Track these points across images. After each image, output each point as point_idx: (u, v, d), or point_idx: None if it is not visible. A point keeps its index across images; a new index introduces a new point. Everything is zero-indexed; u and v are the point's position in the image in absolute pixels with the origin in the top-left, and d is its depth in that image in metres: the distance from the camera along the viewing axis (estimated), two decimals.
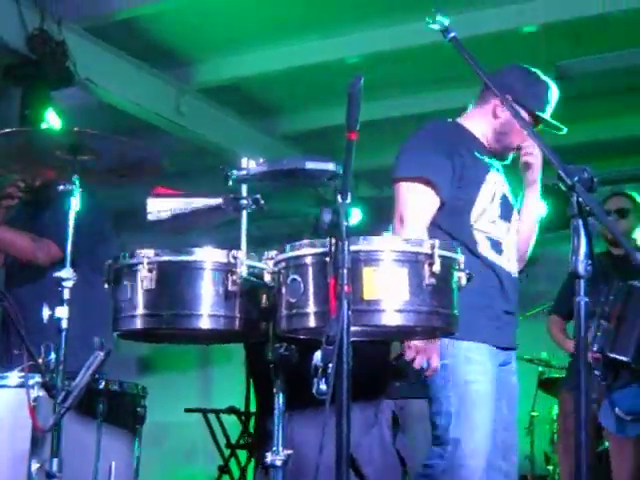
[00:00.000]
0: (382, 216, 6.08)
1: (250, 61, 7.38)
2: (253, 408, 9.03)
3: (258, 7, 6.50)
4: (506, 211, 3.45)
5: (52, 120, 6.29)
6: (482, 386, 3.23)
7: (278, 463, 2.62)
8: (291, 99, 8.27)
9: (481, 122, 3.47)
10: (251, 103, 8.28)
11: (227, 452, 8.95)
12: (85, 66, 6.65)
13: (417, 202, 3.20)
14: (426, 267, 2.49)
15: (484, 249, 3.32)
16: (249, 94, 8.08)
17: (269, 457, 2.65)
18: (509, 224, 3.45)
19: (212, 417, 9.08)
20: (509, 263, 3.42)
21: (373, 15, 6.60)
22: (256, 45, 7.12)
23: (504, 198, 3.46)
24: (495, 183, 3.42)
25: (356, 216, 7.07)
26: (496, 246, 3.36)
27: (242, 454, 8.94)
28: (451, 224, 3.32)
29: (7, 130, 2.83)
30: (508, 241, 3.43)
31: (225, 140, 8.23)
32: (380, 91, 6.77)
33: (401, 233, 3.12)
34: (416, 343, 2.98)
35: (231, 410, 9.08)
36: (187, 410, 8.86)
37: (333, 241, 2.24)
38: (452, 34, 2.57)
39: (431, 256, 2.51)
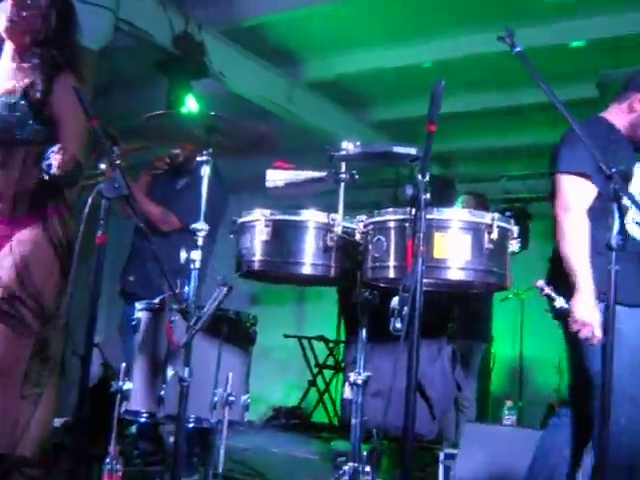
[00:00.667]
0: (447, 190, 6.08)
1: (349, 61, 7.27)
2: (339, 338, 9.12)
3: (355, 18, 6.43)
4: None
5: (191, 104, 6.33)
6: None
7: (359, 382, 2.64)
8: (380, 94, 8.15)
9: (618, 116, 3.20)
10: (348, 95, 8.17)
11: (315, 370, 9.02)
12: (218, 62, 6.66)
13: (578, 193, 3.00)
14: (486, 235, 2.47)
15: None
16: (347, 88, 7.98)
17: (352, 377, 2.67)
18: None
19: (305, 342, 9.17)
20: None
21: (446, 28, 6.48)
22: (354, 49, 7.04)
23: None
24: None
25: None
26: None
27: (327, 372, 8.99)
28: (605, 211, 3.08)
29: (158, 112, 2.86)
30: None
31: (326, 125, 8.13)
32: (447, 90, 6.61)
33: (565, 219, 2.95)
34: (582, 316, 2.81)
35: (320, 338, 9.14)
36: (285, 336, 8.91)
37: (413, 210, 2.22)
38: (518, 48, 2.50)
39: (490, 226, 2.48)
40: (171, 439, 4.80)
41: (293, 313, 9.39)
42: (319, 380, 8.95)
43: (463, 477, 3.82)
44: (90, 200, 2.44)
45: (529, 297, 7.30)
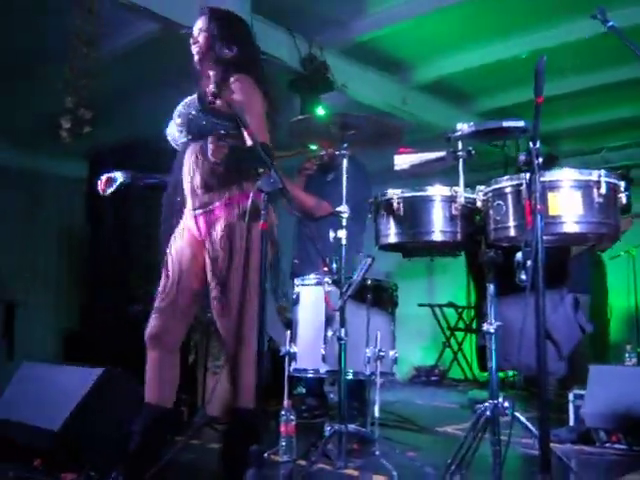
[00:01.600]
0: (552, 165, 5.86)
1: (454, 62, 7.12)
2: (468, 303, 8.98)
3: (457, 22, 6.30)
4: None
5: (321, 114, 6.43)
6: None
7: (492, 330, 2.62)
8: (483, 87, 7.96)
9: None
10: (454, 92, 8.03)
11: (448, 333, 8.94)
12: (340, 76, 6.67)
13: None
14: (595, 190, 2.39)
15: None
16: (452, 85, 7.82)
17: (485, 326, 2.65)
18: None
19: (437, 310, 9.10)
20: None
21: (539, 20, 6.24)
22: (457, 50, 6.89)
23: None
24: None
25: None
26: None
27: (458, 335, 8.89)
28: None
29: (300, 117, 2.92)
30: None
31: (437, 120, 8.00)
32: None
33: None
34: None
35: (450, 304, 9.05)
36: (420, 305, 8.90)
37: (527, 175, 2.19)
38: (610, 23, 2.41)
39: (598, 182, 2.39)
40: (331, 395, 4.93)
41: (424, 285, 9.30)
42: (452, 342, 8.88)
43: (589, 414, 3.69)
44: (251, 195, 2.52)
45: (639, 254, 7.00)
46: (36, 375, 3.31)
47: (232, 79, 2.71)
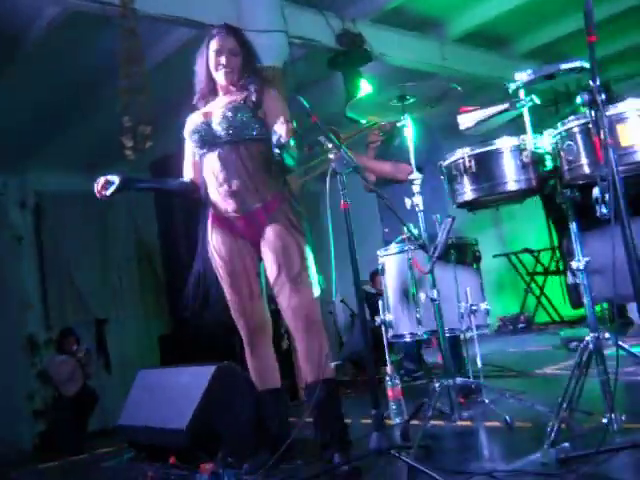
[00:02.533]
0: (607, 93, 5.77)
1: (486, 9, 7.11)
2: (542, 246, 8.90)
3: None
4: None
5: (364, 87, 6.48)
6: None
7: (581, 267, 2.66)
8: (519, 29, 7.87)
9: None
10: (492, 39, 7.95)
11: (527, 279, 8.94)
12: (377, 46, 6.72)
13: None
14: None
15: None
16: (488, 33, 7.75)
17: (574, 264, 2.69)
18: None
19: (513, 258, 9.09)
20: None
21: None
22: None
23: None
24: None
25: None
26: None
27: (538, 279, 8.87)
28: None
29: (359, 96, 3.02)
30: None
31: (479, 70, 7.95)
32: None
33: None
34: None
35: (525, 250, 9.01)
36: (494, 256, 8.86)
37: (593, 112, 2.24)
38: None
39: None
40: (425, 357, 5.05)
41: (493, 236, 9.22)
42: (533, 287, 8.87)
43: None
44: (328, 179, 2.65)
45: None
46: (153, 380, 3.55)
47: (268, 89, 2.97)
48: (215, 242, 2.96)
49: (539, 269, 8.85)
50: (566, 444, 2.33)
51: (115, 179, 2.89)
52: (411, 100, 2.99)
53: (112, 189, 2.87)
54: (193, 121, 2.99)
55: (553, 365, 4.53)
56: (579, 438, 2.43)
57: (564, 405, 2.52)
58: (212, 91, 3.05)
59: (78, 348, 6.48)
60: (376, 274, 4.98)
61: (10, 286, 7.70)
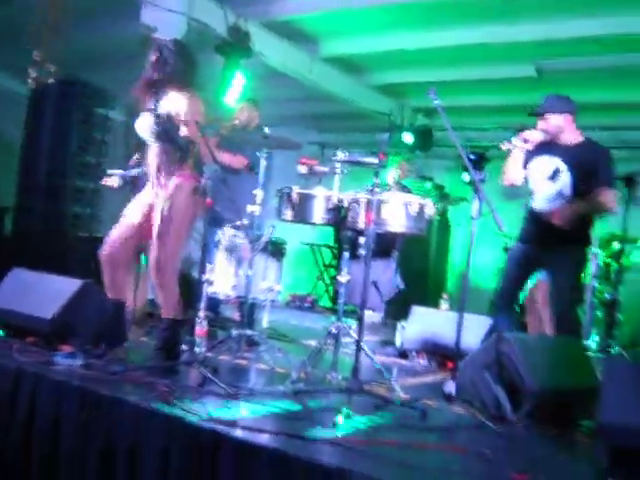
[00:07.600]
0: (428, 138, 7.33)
1: (354, 42, 8.51)
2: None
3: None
4: None
5: (239, 78, 7.69)
6: None
7: (343, 280, 4.14)
8: (381, 66, 9.32)
9: None
10: (354, 67, 9.37)
11: (322, 269, 10.60)
12: (259, 45, 7.93)
13: None
14: (409, 206, 4.00)
15: None
16: (354, 62, 9.18)
17: (340, 278, 4.22)
18: None
19: (315, 249, 10.55)
20: None
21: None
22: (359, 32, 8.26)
23: None
24: None
25: None
26: None
27: (331, 271, 10.40)
28: None
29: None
30: None
31: (335, 89, 9.51)
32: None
33: None
34: None
35: (327, 246, 10.55)
36: (302, 243, 10.29)
37: (368, 193, 3.78)
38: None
39: (412, 202, 4.02)
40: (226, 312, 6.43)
41: (310, 228, 10.51)
42: (325, 276, 10.58)
43: (407, 339, 5.47)
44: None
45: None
46: (27, 278, 4.59)
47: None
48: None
49: (334, 263, 10.53)
50: (301, 384, 3.88)
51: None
52: None
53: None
54: None
55: (316, 339, 6.09)
56: (311, 382, 3.99)
57: (307, 362, 4.08)
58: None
59: None
60: None
61: None
